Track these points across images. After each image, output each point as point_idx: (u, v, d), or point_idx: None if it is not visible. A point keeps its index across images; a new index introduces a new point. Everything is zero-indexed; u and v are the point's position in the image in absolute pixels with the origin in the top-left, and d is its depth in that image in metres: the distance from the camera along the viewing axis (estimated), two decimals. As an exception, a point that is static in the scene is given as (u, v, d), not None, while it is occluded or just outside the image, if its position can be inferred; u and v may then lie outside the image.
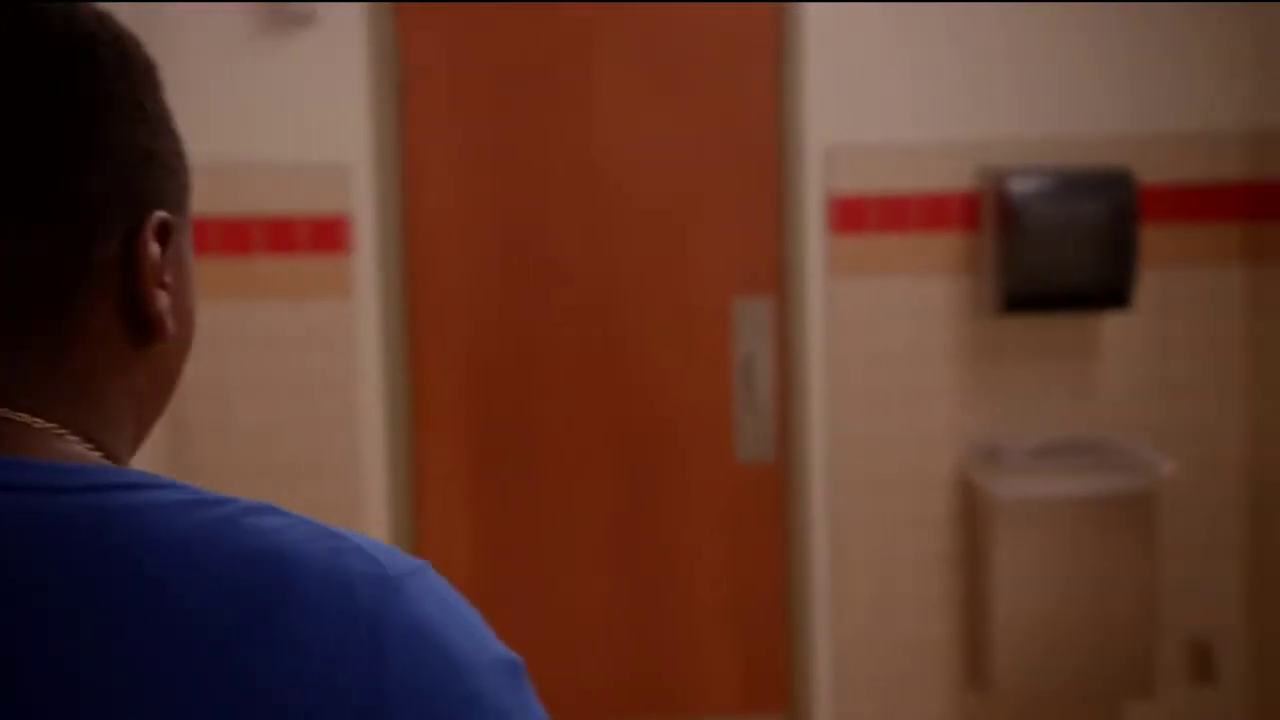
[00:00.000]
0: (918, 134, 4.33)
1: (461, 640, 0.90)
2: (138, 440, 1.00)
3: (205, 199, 4.19)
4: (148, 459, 3.98)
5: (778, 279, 4.38)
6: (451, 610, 0.91)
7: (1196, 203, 4.38)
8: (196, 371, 4.21)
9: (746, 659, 4.45)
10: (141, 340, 0.95)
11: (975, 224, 4.33)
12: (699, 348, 4.38)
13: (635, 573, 4.40)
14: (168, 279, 0.95)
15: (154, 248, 0.93)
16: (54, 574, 0.82)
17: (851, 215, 4.31)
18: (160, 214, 0.94)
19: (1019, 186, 4.15)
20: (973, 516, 4.34)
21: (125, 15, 3.96)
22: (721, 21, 4.27)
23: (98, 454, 0.93)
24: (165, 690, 0.81)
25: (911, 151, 4.32)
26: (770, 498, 4.41)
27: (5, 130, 0.88)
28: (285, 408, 4.24)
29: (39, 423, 0.89)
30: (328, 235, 4.23)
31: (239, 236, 4.20)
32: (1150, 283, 4.39)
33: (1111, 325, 4.40)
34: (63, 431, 0.90)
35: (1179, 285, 4.40)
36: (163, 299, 0.94)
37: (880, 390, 4.37)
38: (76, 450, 0.91)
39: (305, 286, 4.23)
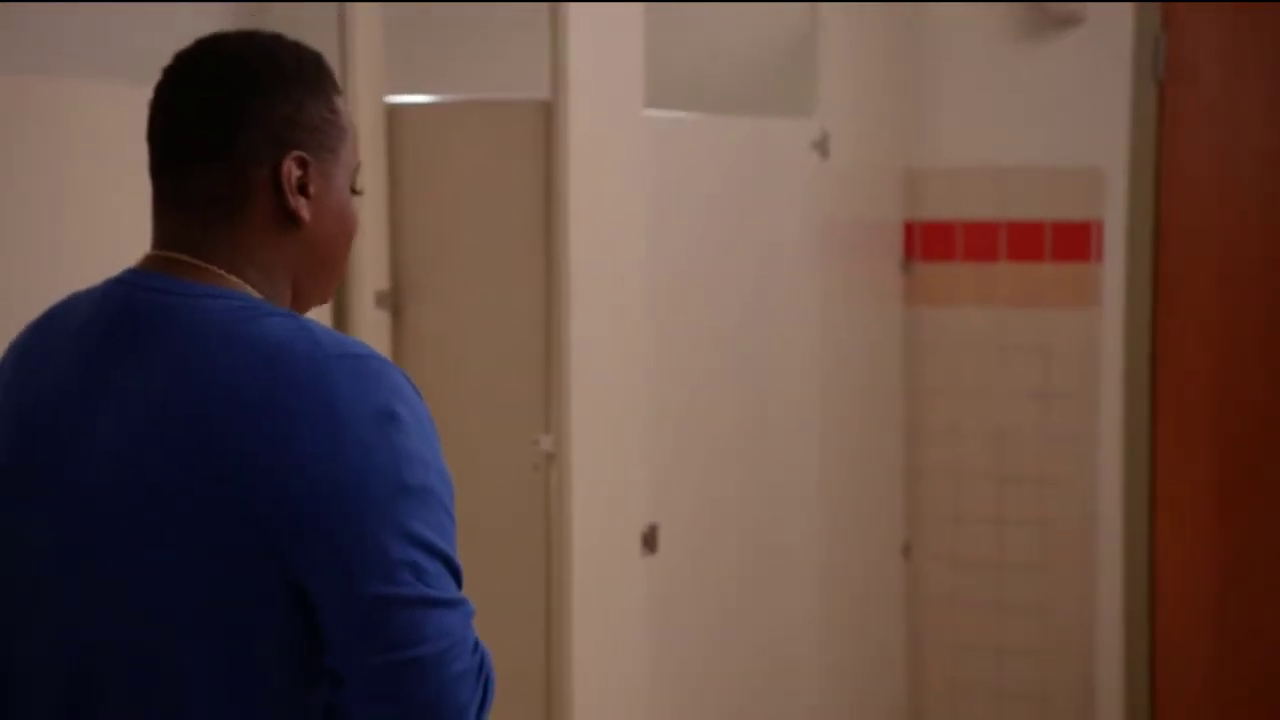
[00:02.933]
0: None
1: (348, 399, 1.40)
2: (299, 303, 1.57)
3: (950, 204, 4.17)
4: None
5: None
6: (359, 381, 1.41)
7: None
8: (928, 373, 4.20)
9: None
10: (290, 227, 1.53)
11: None
12: None
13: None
14: (312, 190, 1.53)
15: (294, 172, 1.51)
16: (138, 334, 1.47)
17: None
18: (297, 152, 1.52)
19: None
20: None
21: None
22: None
23: (254, 291, 1.51)
24: (159, 416, 1.43)
25: None
26: None
27: (197, 113, 1.51)
28: (1021, 416, 4.13)
29: (213, 268, 1.51)
30: (1073, 242, 4.07)
31: (985, 241, 4.14)
32: None
33: None
34: (230, 276, 1.51)
35: None
36: (299, 200, 1.52)
37: None
38: (233, 283, 1.51)
39: (1048, 293, 4.10)
